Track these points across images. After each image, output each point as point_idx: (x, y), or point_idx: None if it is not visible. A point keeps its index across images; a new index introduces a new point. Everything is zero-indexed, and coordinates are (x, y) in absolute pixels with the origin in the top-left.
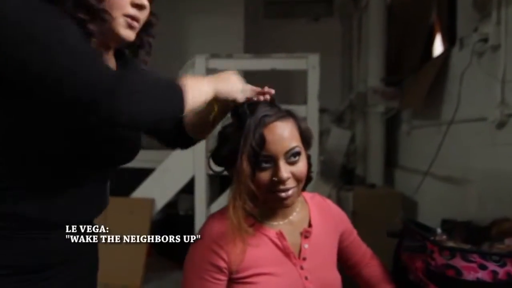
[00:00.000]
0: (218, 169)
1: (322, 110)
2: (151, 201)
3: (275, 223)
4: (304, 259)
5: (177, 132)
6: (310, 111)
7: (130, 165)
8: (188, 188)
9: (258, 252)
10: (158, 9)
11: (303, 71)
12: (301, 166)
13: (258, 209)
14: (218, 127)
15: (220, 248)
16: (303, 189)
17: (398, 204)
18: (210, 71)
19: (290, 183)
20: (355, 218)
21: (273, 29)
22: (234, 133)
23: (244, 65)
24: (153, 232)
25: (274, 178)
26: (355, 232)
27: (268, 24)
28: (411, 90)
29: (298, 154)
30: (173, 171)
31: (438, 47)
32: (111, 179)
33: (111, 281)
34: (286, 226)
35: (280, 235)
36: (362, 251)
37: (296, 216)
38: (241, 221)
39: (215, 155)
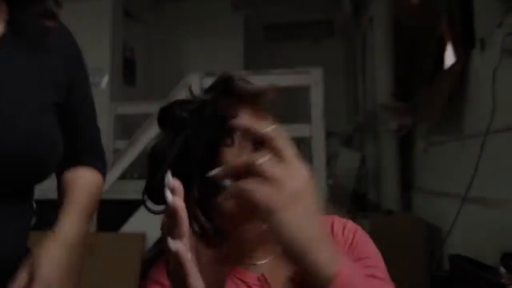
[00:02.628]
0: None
1: (329, 134)
2: (142, 236)
3: (255, 263)
4: None
5: None
6: (315, 130)
7: (119, 196)
8: None
9: None
10: (158, 31)
11: (306, 88)
12: None
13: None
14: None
15: None
16: None
17: (421, 232)
18: None
19: None
20: None
21: (274, 52)
22: (169, 149)
23: None
24: (145, 271)
25: None
26: (375, 256)
27: (269, 46)
28: (426, 102)
29: None
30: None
31: (450, 57)
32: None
33: None
34: (274, 265)
35: (264, 280)
36: None
37: None
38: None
39: (150, 186)
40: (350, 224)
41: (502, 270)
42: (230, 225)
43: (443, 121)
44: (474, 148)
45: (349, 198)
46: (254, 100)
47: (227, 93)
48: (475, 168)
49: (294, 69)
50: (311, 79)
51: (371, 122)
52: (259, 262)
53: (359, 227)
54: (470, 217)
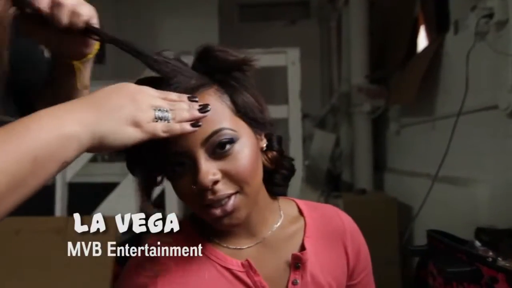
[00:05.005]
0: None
1: (303, 116)
2: (116, 220)
3: (239, 247)
4: None
5: None
6: (292, 111)
7: (91, 179)
8: (159, 202)
9: None
10: (129, 10)
11: (282, 69)
12: (240, 158)
13: (207, 225)
14: None
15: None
16: (281, 193)
17: (393, 210)
18: None
19: (224, 189)
20: None
21: (249, 33)
22: None
23: None
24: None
25: (193, 186)
26: (369, 267)
27: (244, 27)
28: (399, 85)
29: (229, 140)
30: None
31: (422, 40)
32: None
33: None
34: (259, 250)
35: (248, 266)
36: None
37: (277, 235)
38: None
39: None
40: (358, 233)
41: (477, 243)
42: (191, 208)
43: (415, 103)
44: (445, 129)
45: (324, 179)
46: (237, 69)
47: (205, 63)
48: (446, 148)
49: (270, 49)
50: (288, 59)
51: (345, 104)
52: (243, 247)
53: (362, 238)
54: (441, 195)
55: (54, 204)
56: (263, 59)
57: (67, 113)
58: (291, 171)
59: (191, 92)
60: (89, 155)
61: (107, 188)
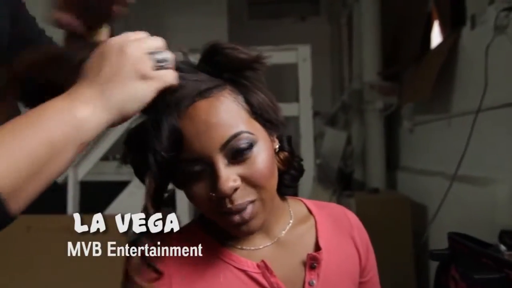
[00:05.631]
0: None
1: (314, 113)
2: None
3: (253, 248)
4: None
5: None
6: (303, 109)
7: (103, 178)
8: (170, 201)
9: None
10: (137, 7)
11: (291, 66)
12: (259, 162)
13: (220, 227)
14: None
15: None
16: (293, 193)
17: (407, 210)
18: None
19: (242, 196)
20: None
21: (258, 30)
22: (137, 128)
23: None
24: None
25: (211, 194)
26: (375, 268)
27: (253, 24)
28: (413, 82)
29: (248, 145)
30: None
31: (436, 35)
32: None
33: None
34: (274, 251)
35: (264, 267)
36: None
37: (290, 234)
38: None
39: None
40: (364, 230)
41: (502, 247)
42: (206, 214)
43: (430, 100)
44: (462, 126)
45: (335, 177)
46: (249, 68)
47: (214, 62)
48: (465, 146)
49: (280, 46)
50: (299, 56)
51: (356, 101)
52: (257, 248)
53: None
54: (457, 195)
55: (67, 203)
56: (274, 56)
57: (74, 101)
58: (300, 171)
59: (205, 95)
60: (100, 154)
61: (118, 187)
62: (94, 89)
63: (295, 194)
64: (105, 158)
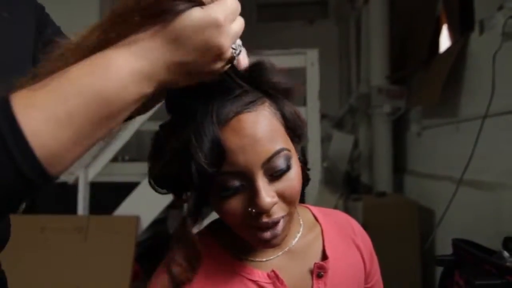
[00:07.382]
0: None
1: (321, 116)
2: (136, 219)
3: (264, 259)
4: None
5: None
6: (310, 113)
7: (113, 179)
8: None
9: None
10: None
11: (301, 69)
12: (292, 179)
13: (231, 238)
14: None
15: None
16: (301, 200)
17: (414, 213)
18: None
19: (278, 211)
20: (366, 232)
21: (267, 33)
22: (170, 138)
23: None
24: (139, 253)
25: (251, 209)
26: (379, 272)
27: (262, 27)
28: (421, 86)
29: (287, 162)
30: None
31: (445, 40)
32: None
33: None
34: (284, 260)
35: (275, 277)
36: None
37: (299, 243)
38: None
39: (151, 173)
40: (366, 235)
41: (506, 254)
42: (232, 227)
43: (438, 105)
44: (470, 131)
45: (342, 180)
46: (283, 95)
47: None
48: (472, 151)
49: (289, 50)
50: (307, 60)
51: (364, 104)
52: (268, 259)
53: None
54: (465, 200)
55: (77, 203)
56: (282, 60)
57: (139, 50)
58: (307, 180)
59: (249, 108)
60: (110, 156)
61: (128, 188)
62: (161, 47)
63: (302, 200)
64: (115, 159)
